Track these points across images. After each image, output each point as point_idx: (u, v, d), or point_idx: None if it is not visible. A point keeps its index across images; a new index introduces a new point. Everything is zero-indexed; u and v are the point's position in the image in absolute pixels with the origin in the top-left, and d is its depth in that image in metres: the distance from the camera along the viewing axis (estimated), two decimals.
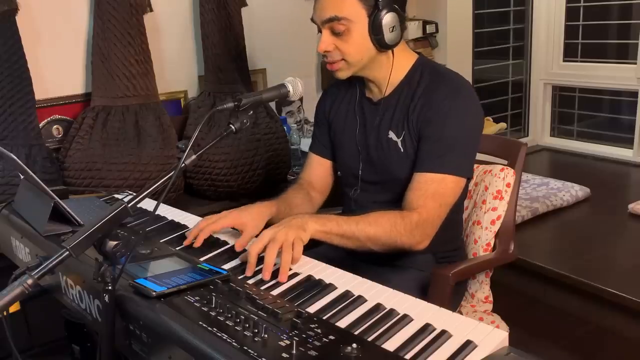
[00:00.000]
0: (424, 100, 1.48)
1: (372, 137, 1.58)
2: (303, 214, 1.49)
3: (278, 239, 1.21)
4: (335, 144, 1.70)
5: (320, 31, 1.48)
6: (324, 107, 1.73)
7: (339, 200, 1.74)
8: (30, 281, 0.92)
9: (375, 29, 1.43)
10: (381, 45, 1.46)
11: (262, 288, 1.13)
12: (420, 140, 1.48)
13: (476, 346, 0.90)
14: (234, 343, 0.89)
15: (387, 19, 1.43)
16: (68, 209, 1.41)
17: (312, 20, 1.49)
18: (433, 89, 1.48)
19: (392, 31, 1.45)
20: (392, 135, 1.53)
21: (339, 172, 1.75)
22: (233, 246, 1.36)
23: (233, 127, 1.27)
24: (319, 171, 1.74)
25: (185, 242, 1.37)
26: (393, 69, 1.53)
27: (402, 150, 1.51)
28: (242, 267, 1.24)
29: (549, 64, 3.81)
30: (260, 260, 1.21)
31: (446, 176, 1.44)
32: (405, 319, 0.99)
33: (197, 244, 1.34)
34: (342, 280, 1.15)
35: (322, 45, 1.46)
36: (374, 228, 1.37)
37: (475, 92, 1.52)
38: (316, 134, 1.76)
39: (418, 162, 1.47)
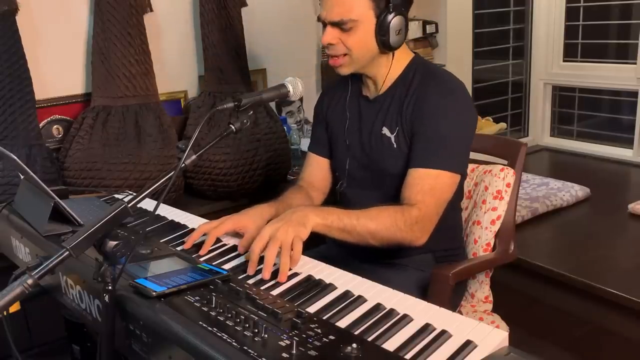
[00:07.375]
0: (416, 97, 1.50)
1: (366, 133, 1.59)
2: (304, 206, 1.49)
3: (277, 238, 1.21)
4: (331, 141, 1.71)
5: (324, 25, 1.48)
6: (321, 106, 1.75)
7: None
8: (30, 281, 0.92)
9: (382, 30, 1.44)
10: (385, 46, 1.47)
11: (262, 288, 1.13)
12: (413, 136, 1.50)
13: (476, 346, 0.91)
14: (234, 343, 0.89)
15: (395, 22, 1.44)
16: (68, 209, 1.41)
17: (319, 18, 1.49)
18: (425, 87, 1.50)
19: (397, 34, 1.46)
20: (385, 131, 1.54)
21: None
22: (233, 246, 1.36)
23: (233, 127, 1.27)
24: (317, 170, 1.74)
25: (185, 246, 1.36)
26: (391, 68, 1.54)
27: (395, 145, 1.53)
28: (242, 267, 1.24)
29: (548, 64, 3.81)
30: (261, 259, 1.21)
31: (441, 172, 1.45)
32: (405, 319, 0.99)
33: (203, 252, 1.33)
34: (342, 280, 1.16)
35: (327, 37, 1.46)
36: (375, 223, 1.37)
37: (468, 91, 1.53)
38: (314, 133, 1.77)
39: (413, 158, 1.48)
